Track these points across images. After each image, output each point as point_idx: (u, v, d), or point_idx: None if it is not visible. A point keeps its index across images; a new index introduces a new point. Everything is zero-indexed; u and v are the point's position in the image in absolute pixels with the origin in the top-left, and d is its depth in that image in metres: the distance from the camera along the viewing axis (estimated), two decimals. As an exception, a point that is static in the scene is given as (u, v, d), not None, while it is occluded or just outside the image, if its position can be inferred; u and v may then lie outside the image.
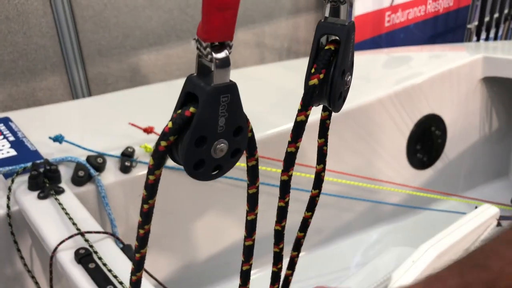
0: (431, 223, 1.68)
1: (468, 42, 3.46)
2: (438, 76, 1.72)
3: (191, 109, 0.31)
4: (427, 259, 0.84)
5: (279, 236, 0.45)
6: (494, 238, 0.40)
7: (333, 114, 0.38)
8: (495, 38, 3.60)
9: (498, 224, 1.06)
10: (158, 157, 0.32)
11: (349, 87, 0.37)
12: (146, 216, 0.38)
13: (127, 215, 1.09)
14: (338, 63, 0.34)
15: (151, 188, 0.37)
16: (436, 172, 1.79)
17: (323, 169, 0.44)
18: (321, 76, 0.34)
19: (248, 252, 0.42)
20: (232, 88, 0.31)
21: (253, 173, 0.36)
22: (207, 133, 0.31)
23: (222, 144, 0.32)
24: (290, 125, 0.38)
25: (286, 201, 0.42)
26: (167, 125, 0.32)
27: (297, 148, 0.37)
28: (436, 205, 1.74)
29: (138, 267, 0.42)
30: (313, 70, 0.34)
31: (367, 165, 1.55)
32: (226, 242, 1.31)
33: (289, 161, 0.38)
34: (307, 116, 0.35)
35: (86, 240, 0.79)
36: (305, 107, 0.34)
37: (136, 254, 0.40)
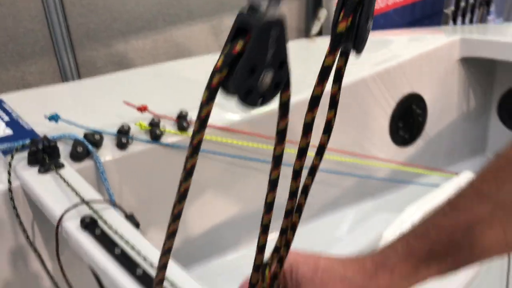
0: (415, 197, 1.75)
1: (446, 26, 3.56)
2: (417, 57, 1.78)
3: (240, 43, 0.34)
4: (415, 219, 0.90)
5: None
6: (435, 210, 0.50)
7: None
8: (471, 22, 3.70)
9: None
10: (211, 93, 0.35)
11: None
12: (188, 174, 0.40)
13: (124, 191, 1.12)
14: (364, 10, 0.38)
15: (195, 147, 0.39)
16: (418, 149, 1.87)
17: (327, 141, 0.47)
18: (349, 21, 0.37)
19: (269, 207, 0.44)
20: (281, 23, 0.34)
21: (284, 109, 0.39)
22: (257, 63, 0.35)
23: (269, 75, 0.35)
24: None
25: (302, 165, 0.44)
26: (218, 61, 0.35)
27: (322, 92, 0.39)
28: (419, 180, 1.81)
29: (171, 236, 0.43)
30: (341, 16, 0.37)
31: (352, 143, 1.61)
32: (219, 217, 1.35)
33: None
34: (334, 60, 0.38)
35: (91, 209, 0.82)
36: (333, 50, 0.37)
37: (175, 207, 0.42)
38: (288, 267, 0.50)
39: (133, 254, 0.73)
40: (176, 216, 0.42)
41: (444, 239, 0.47)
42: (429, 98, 1.86)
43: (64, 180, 0.89)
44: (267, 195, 0.42)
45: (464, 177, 1.13)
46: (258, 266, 0.45)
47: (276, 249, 0.47)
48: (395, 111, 1.74)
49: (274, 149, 0.40)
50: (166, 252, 0.43)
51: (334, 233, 1.59)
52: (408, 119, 1.81)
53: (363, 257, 0.50)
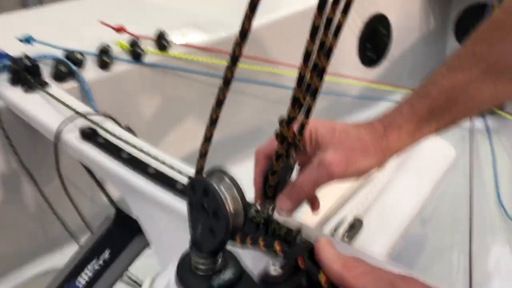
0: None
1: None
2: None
3: None
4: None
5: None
6: (434, 73, 0.55)
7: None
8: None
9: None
10: (243, 34, 0.40)
11: None
12: (219, 103, 0.44)
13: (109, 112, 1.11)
14: None
15: (228, 80, 0.42)
16: (384, 69, 1.94)
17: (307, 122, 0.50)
18: None
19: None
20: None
21: None
22: None
23: None
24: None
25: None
26: None
27: None
28: (388, 97, 1.88)
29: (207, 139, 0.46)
30: None
31: (324, 64, 1.64)
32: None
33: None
34: None
35: (89, 121, 0.81)
36: None
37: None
38: (308, 131, 0.53)
39: (142, 156, 0.74)
40: (207, 138, 0.45)
41: (443, 97, 0.54)
42: (394, 19, 1.91)
43: (54, 97, 0.87)
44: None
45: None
46: (291, 119, 0.48)
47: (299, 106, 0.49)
48: (363, 32, 1.78)
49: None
50: (207, 140, 0.45)
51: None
52: (374, 40, 1.85)
53: (372, 122, 0.55)
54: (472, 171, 1.58)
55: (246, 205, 0.41)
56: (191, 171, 0.72)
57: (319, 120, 0.54)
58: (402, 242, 0.84)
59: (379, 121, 0.55)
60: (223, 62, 1.26)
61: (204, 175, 0.42)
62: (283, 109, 0.53)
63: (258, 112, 1.49)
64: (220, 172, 0.41)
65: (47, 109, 0.86)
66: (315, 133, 0.53)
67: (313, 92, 0.50)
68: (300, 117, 0.50)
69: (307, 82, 0.48)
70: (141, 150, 0.74)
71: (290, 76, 1.44)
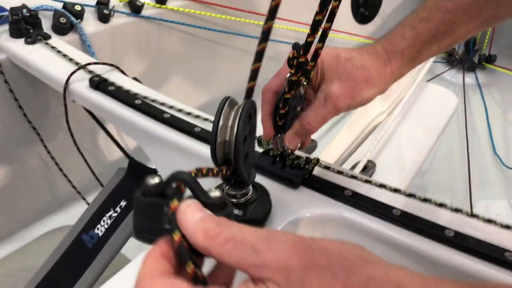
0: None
1: None
2: None
3: None
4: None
5: None
6: None
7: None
8: None
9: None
10: None
11: None
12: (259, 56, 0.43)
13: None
14: None
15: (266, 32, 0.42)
16: (376, 26, 1.93)
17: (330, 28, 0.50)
18: None
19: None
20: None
21: None
22: None
23: None
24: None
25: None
26: None
27: None
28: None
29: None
30: None
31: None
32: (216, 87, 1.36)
33: None
34: None
35: (95, 74, 0.79)
36: None
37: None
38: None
39: (156, 104, 0.73)
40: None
41: (446, 21, 0.54)
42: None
43: (58, 50, 0.85)
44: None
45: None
46: (309, 44, 0.48)
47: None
48: (356, -12, 1.77)
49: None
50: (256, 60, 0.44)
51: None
52: (367, -4, 1.84)
53: (375, 46, 0.55)
54: (466, 124, 1.61)
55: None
56: (208, 116, 0.71)
57: (324, 48, 0.53)
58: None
59: (382, 46, 0.55)
60: (221, 16, 1.24)
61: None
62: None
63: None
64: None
65: (52, 61, 0.83)
66: (320, 62, 0.53)
67: (330, 16, 0.50)
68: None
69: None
70: (153, 100, 0.73)
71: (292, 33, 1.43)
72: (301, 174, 0.57)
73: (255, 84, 0.45)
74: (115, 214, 0.77)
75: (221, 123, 0.41)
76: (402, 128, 0.94)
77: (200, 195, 0.30)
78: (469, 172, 1.32)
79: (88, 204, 1.00)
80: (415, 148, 0.90)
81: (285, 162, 0.59)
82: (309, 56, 0.51)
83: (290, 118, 0.54)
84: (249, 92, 0.45)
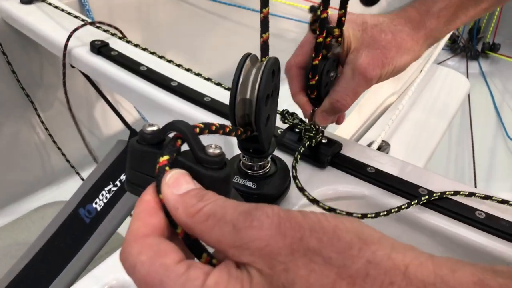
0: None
1: None
2: None
3: None
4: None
5: None
6: None
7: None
8: None
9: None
10: None
11: None
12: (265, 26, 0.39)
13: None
14: None
15: None
16: (381, 8, 1.88)
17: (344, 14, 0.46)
18: None
19: None
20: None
21: None
22: None
23: None
24: None
25: None
26: None
27: None
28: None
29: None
30: None
31: None
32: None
33: None
34: None
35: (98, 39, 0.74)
36: None
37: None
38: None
39: (162, 70, 0.68)
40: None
41: None
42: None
43: (57, 8, 0.79)
44: None
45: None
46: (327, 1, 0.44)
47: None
48: (363, -32, 1.72)
49: None
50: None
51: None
52: (373, -23, 1.79)
53: (406, 10, 0.50)
54: (470, 112, 1.59)
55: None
56: (215, 87, 0.67)
57: (348, 14, 0.48)
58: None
59: (414, 8, 0.50)
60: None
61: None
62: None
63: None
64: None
65: (51, 22, 0.78)
66: (345, 31, 0.48)
67: None
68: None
69: None
70: (159, 66, 0.68)
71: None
72: (330, 152, 0.53)
73: (268, 37, 0.41)
74: (114, 188, 0.72)
75: (242, 78, 0.36)
76: (415, 110, 0.91)
77: (196, 149, 0.26)
78: (473, 159, 1.30)
79: (82, 179, 0.96)
80: (429, 131, 0.86)
81: (313, 139, 0.54)
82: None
83: (325, 85, 0.49)
84: (265, 47, 0.40)
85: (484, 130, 1.51)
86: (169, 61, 0.72)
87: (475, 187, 1.25)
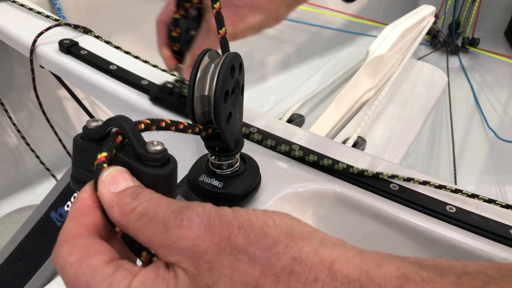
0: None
1: None
2: None
3: None
4: (394, 35, 0.93)
5: None
6: None
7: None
8: None
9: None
10: None
11: None
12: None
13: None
14: None
15: None
16: (361, 5, 1.89)
17: None
18: None
19: None
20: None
21: None
22: None
23: None
24: None
25: None
26: None
27: None
28: (368, 32, 1.84)
29: None
30: None
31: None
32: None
33: None
34: None
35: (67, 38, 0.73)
36: None
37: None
38: None
39: (133, 69, 0.67)
40: None
41: None
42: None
43: (26, 6, 0.77)
44: None
45: (423, 9, 1.17)
46: None
47: None
48: (342, -36, 1.72)
49: None
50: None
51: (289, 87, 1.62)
52: (353, -26, 1.79)
53: None
54: (451, 106, 1.60)
55: None
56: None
57: None
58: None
59: None
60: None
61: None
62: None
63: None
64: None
65: (18, 21, 0.76)
66: None
67: None
68: None
69: None
70: (129, 65, 0.67)
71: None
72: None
73: (225, 32, 0.41)
74: (87, 190, 0.71)
75: (199, 75, 0.36)
76: (392, 105, 0.91)
77: (136, 146, 0.26)
78: (453, 153, 1.31)
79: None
80: (405, 126, 0.86)
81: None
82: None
83: (185, 42, 0.53)
84: (224, 42, 0.40)
85: (465, 123, 1.52)
86: (145, 62, 0.70)
87: (455, 180, 1.25)
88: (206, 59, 0.36)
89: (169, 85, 0.61)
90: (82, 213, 0.23)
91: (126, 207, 0.23)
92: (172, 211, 0.22)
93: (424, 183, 0.49)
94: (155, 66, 0.69)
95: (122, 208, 0.23)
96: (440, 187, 0.49)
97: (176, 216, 0.22)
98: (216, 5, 0.37)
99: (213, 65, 0.36)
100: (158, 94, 0.60)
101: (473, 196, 0.49)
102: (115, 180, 0.24)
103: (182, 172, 0.44)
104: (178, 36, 0.53)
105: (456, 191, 0.49)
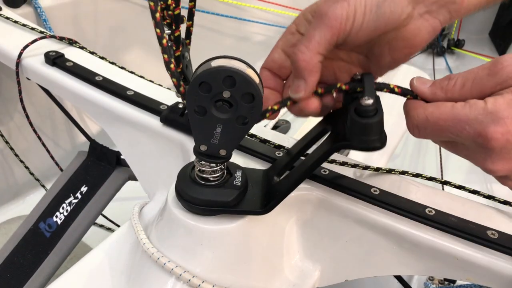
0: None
1: None
2: None
3: None
4: None
5: None
6: None
7: None
8: None
9: None
10: None
11: None
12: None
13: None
14: None
15: None
16: None
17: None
18: None
19: None
20: None
21: None
22: None
23: None
24: None
25: None
26: None
27: None
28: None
29: None
30: None
31: None
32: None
33: None
34: None
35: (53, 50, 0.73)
36: None
37: None
38: None
39: (118, 79, 0.68)
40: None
41: None
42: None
43: (10, 20, 0.78)
44: None
45: None
46: None
47: None
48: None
49: None
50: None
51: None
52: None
53: None
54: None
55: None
56: (172, 94, 0.66)
57: None
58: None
59: None
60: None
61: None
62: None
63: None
64: (225, 58, 0.38)
65: (4, 34, 0.76)
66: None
67: None
68: None
69: None
70: (116, 75, 0.68)
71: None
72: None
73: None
74: (75, 201, 0.71)
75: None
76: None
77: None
78: (440, 156, 1.33)
79: (47, 191, 0.94)
80: (389, 129, 0.87)
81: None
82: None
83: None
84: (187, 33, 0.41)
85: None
86: (131, 72, 0.71)
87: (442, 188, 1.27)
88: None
89: (180, 106, 0.60)
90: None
91: (447, 86, 0.35)
92: (488, 66, 0.33)
93: (417, 175, 0.53)
94: (141, 76, 0.70)
95: (444, 89, 0.35)
96: (430, 179, 0.53)
97: (494, 65, 0.33)
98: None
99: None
100: (169, 115, 0.60)
101: (459, 187, 0.51)
102: (423, 80, 0.37)
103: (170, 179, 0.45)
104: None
105: (445, 182, 0.53)
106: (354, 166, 0.54)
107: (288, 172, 0.48)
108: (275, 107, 0.42)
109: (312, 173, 0.52)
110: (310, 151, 0.48)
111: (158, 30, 0.37)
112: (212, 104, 0.38)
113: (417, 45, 0.41)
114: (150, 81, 0.68)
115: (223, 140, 0.41)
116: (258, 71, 0.40)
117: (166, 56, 0.39)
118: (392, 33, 0.40)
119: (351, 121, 0.37)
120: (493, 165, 0.35)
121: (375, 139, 0.37)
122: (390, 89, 0.40)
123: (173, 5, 0.43)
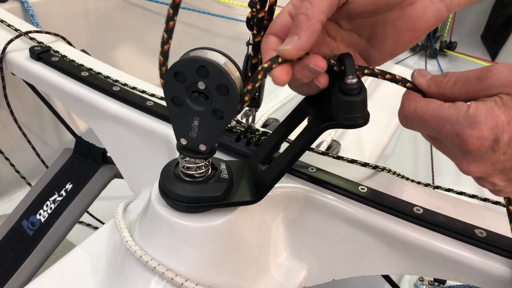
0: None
1: None
2: None
3: None
4: None
5: None
6: None
7: None
8: None
9: None
10: None
11: None
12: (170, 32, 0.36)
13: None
14: None
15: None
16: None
17: None
18: None
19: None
20: None
21: None
22: None
23: None
24: None
25: None
26: None
27: None
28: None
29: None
30: None
31: None
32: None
33: None
34: None
35: (37, 41, 0.72)
36: None
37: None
38: None
39: (105, 75, 0.66)
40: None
41: None
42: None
43: (-6, 14, 0.76)
44: None
45: None
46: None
47: None
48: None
49: None
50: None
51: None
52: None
53: None
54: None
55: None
56: (158, 89, 0.65)
57: None
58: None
59: None
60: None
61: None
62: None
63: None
64: (203, 49, 0.37)
65: (-14, 28, 0.75)
66: None
67: None
68: None
69: None
70: (99, 73, 0.66)
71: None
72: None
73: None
74: (59, 198, 0.70)
75: None
76: (368, 108, 0.91)
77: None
78: (431, 157, 1.33)
79: (33, 189, 0.92)
80: (380, 130, 0.87)
81: (250, 139, 0.55)
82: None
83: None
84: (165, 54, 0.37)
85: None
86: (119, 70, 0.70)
87: (433, 181, 1.27)
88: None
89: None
90: None
91: (441, 82, 0.37)
92: (479, 70, 0.34)
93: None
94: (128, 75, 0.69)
95: (438, 83, 0.37)
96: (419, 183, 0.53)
97: (484, 71, 0.34)
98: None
99: None
100: (224, 140, 0.55)
101: (449, 190, 0.53)
102: (423, 73, 0.38)
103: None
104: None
105: (437, 187, 0.54)
106: (339, 159, 0.53)
107: (274, 158, 0.47)
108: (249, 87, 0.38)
109: (300, 171, 0.51)
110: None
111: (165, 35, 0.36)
112: (188, 95, 0.37)
113: (421, 29, 0.41)
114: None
115: (201, 134, 0.40)
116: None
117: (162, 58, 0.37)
118: (397, 12, 0.40)
119: (337, 100, 0.37)
120: (468, 166, 0.36)
121: (360, 115, 0.38)
122: (393, 77, 0.41)
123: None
